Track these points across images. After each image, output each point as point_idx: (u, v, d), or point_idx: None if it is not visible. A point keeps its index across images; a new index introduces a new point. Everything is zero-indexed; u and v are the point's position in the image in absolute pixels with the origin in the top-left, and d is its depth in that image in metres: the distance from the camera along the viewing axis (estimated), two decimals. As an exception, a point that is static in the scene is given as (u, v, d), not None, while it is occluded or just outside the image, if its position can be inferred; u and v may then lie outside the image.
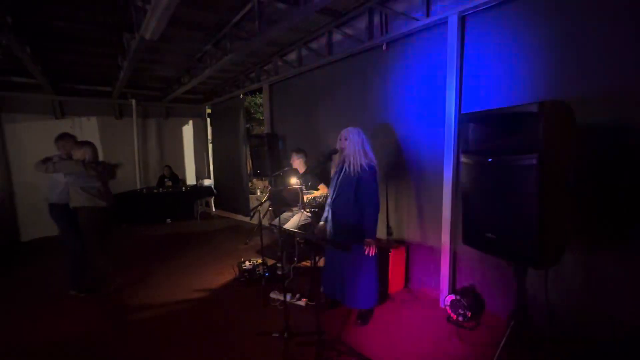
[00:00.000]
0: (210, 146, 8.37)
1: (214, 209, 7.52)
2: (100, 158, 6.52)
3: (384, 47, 3.31)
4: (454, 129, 2.73)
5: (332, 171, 2.82)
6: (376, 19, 3.36)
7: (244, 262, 4.06)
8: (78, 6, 3.12)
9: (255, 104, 10.05)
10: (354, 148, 2.60)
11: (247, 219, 6.86)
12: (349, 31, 3.70)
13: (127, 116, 7.03)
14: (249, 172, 6.34)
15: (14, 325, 3.01)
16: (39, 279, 4.08)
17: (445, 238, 2.85)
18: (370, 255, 2.53)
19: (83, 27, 3.67)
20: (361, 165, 2.58)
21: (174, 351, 2.52)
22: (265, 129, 5.89)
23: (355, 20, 3.57)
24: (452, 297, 2.61)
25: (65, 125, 6.27)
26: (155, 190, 6.52)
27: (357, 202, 2.59)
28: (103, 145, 6.75)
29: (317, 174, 4.04)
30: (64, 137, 3.59)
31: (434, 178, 3.05)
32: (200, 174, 8.30)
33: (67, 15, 3.36)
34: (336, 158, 2.74)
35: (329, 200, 2.78)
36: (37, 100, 5.91)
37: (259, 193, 8.68)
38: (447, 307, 2.64)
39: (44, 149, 6.17)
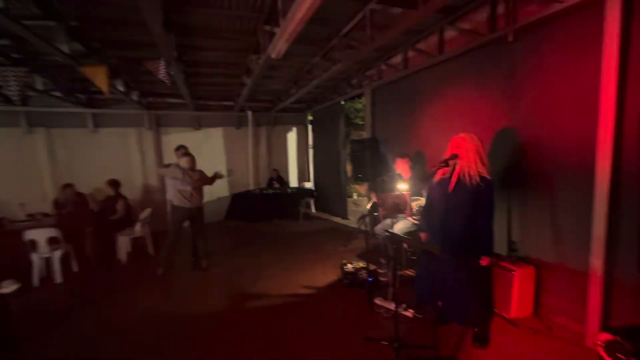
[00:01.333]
0: (310, 151, 8.94)
1: (313, 210, 7.95)
2: (223, 163, 7.85)
3: (509, 38, 2.94)
4: (614, 126, 2.22)
5: (435, 178, 2.63)
6: (500, 8, 3.01)
7: (345, 265, 4.16)
8: (219, 36, 3.74)
9: (354, 109, 10.24)
10: (469, 157, 2.38)
11: (344, 222, 7.06)
12: (464, 26, 3.42)
13: (244, 126, 8.09)
14: (348, 176, 6.50)
15: (160, 296, 3.80)
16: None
17: (597, 261, 2.33)
18: (485, 271, 2.29)
19: (220, 53, 4.39)
20: (479, 175, 2.34)
21: (289, 342, 2.76)
22: (365, 134, 5.93)
23: (474, 12, 3.27)
24: (609, 336, 2.11)
25: (200, 135, 7.64)
26: (265, 192, 7.30)
27: (473, 215, 2.37)
28: (226, 151, 7.96)
29: (423, 180, 3.85)
30: (179, 148, 4.53)
31: (577, 186, 2.54)
32: (302, 178, 8.93)
33: (211, 45, 4.06)
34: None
35: (437, 211, 2.59)
36: (183, 116, 7.34)
37: (355, 197, 8.82)
38: (600, 348, 2.15)
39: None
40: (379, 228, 4.04)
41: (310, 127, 8.96)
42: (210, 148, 7.77)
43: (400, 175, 3.96)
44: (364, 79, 5.67)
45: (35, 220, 5.00)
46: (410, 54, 4.38)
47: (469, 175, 2.35)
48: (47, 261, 4.37)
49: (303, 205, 7.57)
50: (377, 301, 3.28)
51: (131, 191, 6.30)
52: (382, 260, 4.18)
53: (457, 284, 2.47)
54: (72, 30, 3.16)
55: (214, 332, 2.96)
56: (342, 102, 6.90)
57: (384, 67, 5.02)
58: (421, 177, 3.81)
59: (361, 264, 4.15)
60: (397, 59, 4.66)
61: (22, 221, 4.92)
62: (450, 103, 3.86)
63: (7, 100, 4.61)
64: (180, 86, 4.60)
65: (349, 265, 4.13)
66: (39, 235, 4.27)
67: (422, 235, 2.87)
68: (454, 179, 2.45)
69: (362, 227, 4.03)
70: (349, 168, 8.27)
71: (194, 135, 7.54)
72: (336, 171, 7.16)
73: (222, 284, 4.08)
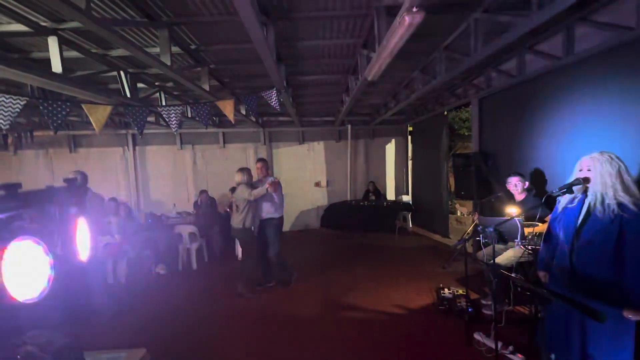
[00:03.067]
0: (409, 163, 8.66)
1: (410, 225, 7.66)
2: (323, 174, 8.39)
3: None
4: None
5: (561, 206, 2.20)
6: (658, -7, 2.38)
7: (442, 289, 3.89)
8: (322, 62, 4.12)
9: (459, 119, 9.40)
10: (604, 180, 1.93)
11: (444, 240, 6.55)
12: (603, 19, 2.82)
13: (344, 139, 8.46)
14: (451, 191, 6.03)
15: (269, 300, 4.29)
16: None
17: None
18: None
19: (323, 76, 4.79)
20: (621, 204, 1.87)
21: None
22: (472, 147, 5.43)
23: (616, 2, 2.67)
24: None
25: (303, 149, 8.38)
26: (361, 203, 7.44)
27: (615, 254, 1.90)
28: (327, 163, 8.49)
29: (539, 204, 3.29)
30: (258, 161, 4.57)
31: None
32: (399, 190, 8.72)
33: (314, 70, 4.49)
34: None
35: (562, 247, 2.17)
36: (290, 132, 8.22)
37: (459, 214, 8.08)
38: None
39: (292, 166, 8.32)
40: (481, 254, 3.64)
41: (410, 138, 8.70)
42: (313, 160, 8.42)
43: (512, 197, 3.48)
44: (470, 87, 5.22)
45: (182, 217, 6.41)
46: (527, 57, 3.84)
47: (604, 205, 1.92)
48: (188, 251, 5.55)
49: (400, 219, 7.38)
50: (477, 336, 2.96)
51: (247, 197, 7.39)
52: (486, 290, 3.74)
53: (599, 341, 2.00)
54: (211, 71, 4.03)
55: (303, 334, 3.22)
56: (445, 113, 6.48)
57: (493, 73, 4.53)
58: (537, 202, 3.27)
59: (460, 291, 3.81)
60: (511, 64, 4.13)
61: (174, 218, 6.39)
62: (580, 112, 3.21)
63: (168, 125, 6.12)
64: (288, 106, 5.20)
65: (446, 290, 3.85)
66: (184, 230, 5.48)
67: (541, 274, 2.44)
68: (584, 209, 2.04)
69: (463, 250, 3.69)
70: (452, 183, 7.66)
71: (299, 149, 8.32)
72: (437, 185, 6.74)
73: (317, 291, 4.35)
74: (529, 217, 3.29)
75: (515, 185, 3.43)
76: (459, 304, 3.54)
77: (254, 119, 6.82)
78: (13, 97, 2.45)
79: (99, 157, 7.29)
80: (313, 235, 7.93)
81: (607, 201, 1.92)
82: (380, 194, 8.08)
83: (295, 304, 3.98)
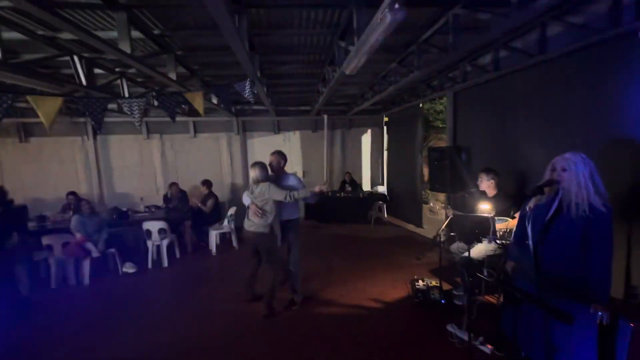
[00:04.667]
0: (385, 154, 8.73)
1: (385, 215, 7.78)
2: (299, 165, 8.26)
3: None
4: None
5: (531, 203, 2.27)
6: (626, -2, 2.44)
7: (417, 281, 3.98)
8: (298, 52, 3.94)
9: (434, 111, 9.50)
10: (579, 181, 1.98)
11: (418, 230, 6.73)
12: (575, 20, 2.87)
13: (320, 129, 8.34)
14: (424, 182, 6.16)
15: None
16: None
17: None
18: (598, 321, 1.88)
19: (298, 66, 4.61)
20: (591, 204, 1.94)
21: (352, 353, 2.79)
22: (447, 140, 5.52)
23: (589, 5, 2.72)
24: None
25: (279, 139, 8.17)
26: (338, 194, 7.43)
27: (581, 251, 1.99)
28: (303, 154, 8.35)
29: (510, 200, 3.41)
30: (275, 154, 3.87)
31: None
32: (374, 181, 8.80)
33: (290, 60, 4.30)
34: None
35: (529, 241, 2.25)
36: (265, 122, 7.96)
37: (431, 204, 8.31)
38: None
39: (267, 156, 8.14)
40: (454, 247, 3.74)
41: (385, 128, 8.74)
42: (289, 150, 8.23)
43: (484, 193, 3.58)
44: (445, 80, 5.26)
45: (150, 212, 6.08)
46: (503, 53, 3.89)
47: (576, 204, 1.98)
48: (157, 248, 5.29)
49: (375, 209, 7.47)
50: (450, 328, 3.06)
51: (221, 190, 7.13)
52: (458, 281, 3.87)
53: (559, 333, 2.10)
54: (178, 58, 3.73)
55: (279, 332, 3.18)
56: (421, 105, 6.53)
57: (469, 67, 4.57)
58: (509, 199, 3.38)
59: (434, 282, 3.92)
60: (486, 59, 4.18)
61: (142, 213, 6.04)
62: (552, 110, 3.31)
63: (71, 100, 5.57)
64: (262, 97, 4.99)
65: (421, 282, 3.94)
66: (153, 227, 5.19)
67: (510, 264, 2.53)
68: (554, 207, 2.10)
69: (437, 241, 3.74)
70: (426, 174, 7.82)
71: (274, 139, 8.11)
72: (411, 176, 6.85)
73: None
74: (500, 213, 3.41)
75: (488, 181, 3.52)
76: (432, 296, 3.64)
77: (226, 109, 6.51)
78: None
79: (55, 148, 6.68)
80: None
81: (579, 201, 1.98)
82: (356, 184, 8.10)
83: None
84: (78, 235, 4.60)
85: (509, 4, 2.29)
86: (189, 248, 5.85)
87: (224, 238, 6.28)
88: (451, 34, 2.90)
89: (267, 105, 6.42)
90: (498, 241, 3.11)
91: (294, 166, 8.30)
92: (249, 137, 7.94)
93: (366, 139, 8.89)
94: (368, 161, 8.90)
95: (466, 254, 3.08)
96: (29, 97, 2.35)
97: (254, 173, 3.47)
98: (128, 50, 2.57)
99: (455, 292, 3.75)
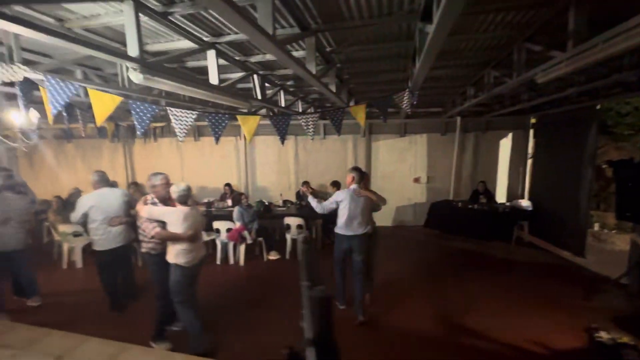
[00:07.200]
0: (529, 162, 7.45)
1: (527, 234, 6.66)
2: (424, 170, 7.83)
3: None
4: None
5: None
6: None
7: (596, 331, 3.22)
8: (460, 57, 3.64)
9: (617, 113, 7.15)
10: None
11: (577, 260, 5.50)
12: None
13: (450, 132, 7.69)
14: (608, 209, 4.95)
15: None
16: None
17: None
18: None
19: (450, 71, 4.27)
20: None
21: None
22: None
23: None
24: None
25: (404, 142, 7.91)
26: (469, 206, 6.72)
27: None
28: (428, 158, 7.89)
29: None
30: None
31: None
32: (512, 192, 7.64)
33: (446, 65, 4.02)
34: None
35: None
36: (391, 124, 7.80)
37: (596, 227, 6.67)
38: None
39: (391, 160, 7.97)
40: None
41: (532, 132, 7.43)
42: (414, 154, 7.91)
43: None
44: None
45: (287, 208, 6.75)
46: None
47: None
48: (294, 242, 5.83)
49: (516, 227, 6.46)
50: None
51: (346, 191, 7.37)
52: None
53: None
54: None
55: (419, 352, 3.03)
56: (598, 106, 5.24)
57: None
58: None
59: (625, 338, 3.10)
60: None
61: (280, 207, 6.77)
62: None
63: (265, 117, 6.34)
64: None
65: (603, 334, 3.17)
66: (293, 222, 5.74)
67: None
68: None
69: (625, 281, 2.91)
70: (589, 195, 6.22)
71: (399, 142, 7.90)
72: (573, 193, 5.62)
73: (427, 304, 4.08)
74: None
75: None
76: (626, 357, 2.88)
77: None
78: (186, 111, 2.73)
79: (218, 145, 8.11)
80: (409, 233, 7.58)
81: None
82: (491, 195, 7.18)
83: (406, 315, 3.79)
84: (238, 224, 5.46)
85: None
86: (318, 244, 6.26)
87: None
88: None
89: (402, 110, 6.25)
90: None
91: (418, 171, 7.94)
92: (374, 139, 7.95)
93: (505, 144, 7.76)
94: (506, 170, 7.76)
95: None
96: (238, 117, 2.84)
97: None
98: (314, 71, 2.80)
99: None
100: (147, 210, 2.85)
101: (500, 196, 7.71)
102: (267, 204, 6.59)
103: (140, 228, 2.98)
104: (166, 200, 3.00)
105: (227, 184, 7.31)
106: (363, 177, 3.71)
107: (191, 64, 3.68)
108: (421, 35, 2.58)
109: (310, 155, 8.02)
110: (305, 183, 6.89)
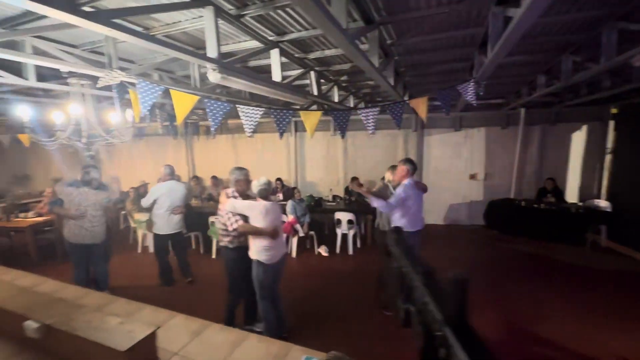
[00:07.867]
0: (607, 157, 6.61)
1: (604, 238, 5.94)
2: (482, 165, 7.35)
3: None
4: None
5: None
6: None
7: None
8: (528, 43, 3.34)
9: None
10: None
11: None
12: None
13: (512, 125, 7.12)
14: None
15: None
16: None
17: None
18: None
19: (521, 57, 3.94)
20: None
21: None
22: None
23: None
24: None
25: (459, 136, 7.50)
26: (535, 205, 6.17)
27: None
28: (486, 153, 7.39)
29: None
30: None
31: None
32: (586, 192, 6.85)
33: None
34: None
35: None
36: (446, 117, 7.42)
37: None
38: None
39: (444, 155, 7.62)
40: None
41: (613, 124, 6.57)
42: (470, 149, 7.47)
43: None
44: None
45: (337, 203, 6.80)
46: None
47: None
48: (344, 237, 5.86)
49: (592, 230, 5.80)
50: None
51: (396, 187, 7.21)
52: None
53: None
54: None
55: None
56: None
57: None
58: None
59: None
60: None
61: (330, 202, 6.84)
62: None
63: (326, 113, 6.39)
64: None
65: None
66: (344, 217, 5.78)
67: None
68: None
69: None
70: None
71: (454, 137, 7.51)
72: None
73: (491, 309, 3.86)
74: None
75: None
76: None
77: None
78: (254, 107, 2.87)
79: (270, 141, 8.43)
80: (464, 232, 7.20)
81: None
82: (561, 194, 6.52)
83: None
84: (291, 217, 5.63)
85: None
86: (368, 240, 6.23)
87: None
88: None
89: (458, 102, 5.94)
90: None
91: (475, 167, 7.48)
92: (426, 134, 7.65)
93: (578, 138, 6.98)
94: (578, 166, 6.98)
95: None
96: (301, 113, 2.92)
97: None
98: (377, 64, 2.77)
99: None
100: (231, 204, 2.87)
101: (571, 195, 6.97)
102: (317, 198, 6.70)
103: (221, 221, 3.01)
104: (245, 195, 3.08)
105: (278, 179, 7.56)
106: (416, 169, 3.63)
107: (252, 63, 3.85)
108: (495, 20, 2.42)
109: (359, 150, 7.98)
110: (355, 179, 6.87)
